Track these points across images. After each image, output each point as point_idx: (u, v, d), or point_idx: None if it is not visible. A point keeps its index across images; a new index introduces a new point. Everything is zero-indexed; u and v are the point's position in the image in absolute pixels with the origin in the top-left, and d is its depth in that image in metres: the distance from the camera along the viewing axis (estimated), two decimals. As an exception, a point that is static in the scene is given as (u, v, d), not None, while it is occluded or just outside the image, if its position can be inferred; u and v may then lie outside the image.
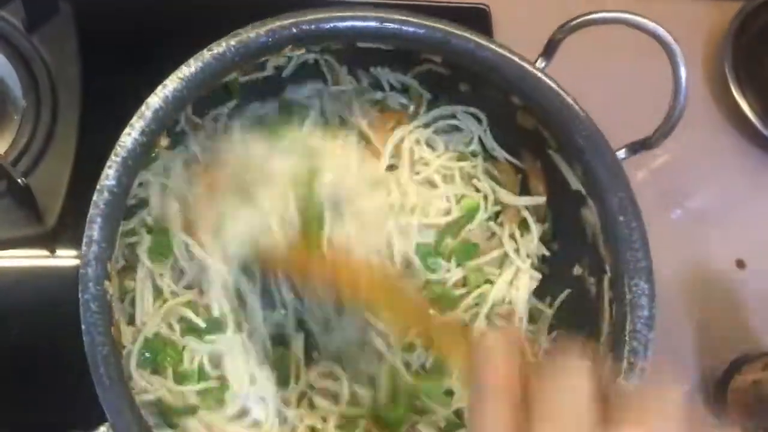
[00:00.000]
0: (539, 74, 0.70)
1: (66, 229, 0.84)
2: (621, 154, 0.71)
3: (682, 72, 0.65)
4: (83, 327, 0.62)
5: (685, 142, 0.95)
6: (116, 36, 0.92)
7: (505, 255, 0.76)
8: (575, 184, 0.72)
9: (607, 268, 0.69)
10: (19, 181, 0.79)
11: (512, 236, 0.77)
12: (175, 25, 0.91)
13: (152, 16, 0.93)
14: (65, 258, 0.85)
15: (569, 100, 0.70)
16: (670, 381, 0.44)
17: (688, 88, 0.66)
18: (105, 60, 0.90)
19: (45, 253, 0.85)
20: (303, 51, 0.75)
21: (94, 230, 0.64)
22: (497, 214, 0.79)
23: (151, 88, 0.67)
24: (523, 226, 0.78)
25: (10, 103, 0.86)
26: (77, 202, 0.84)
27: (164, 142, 0.73)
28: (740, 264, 0.92)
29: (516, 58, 0.71)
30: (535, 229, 0.76)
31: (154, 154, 0.73)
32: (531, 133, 0.76)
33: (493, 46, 0.71)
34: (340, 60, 0.81)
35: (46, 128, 0.86)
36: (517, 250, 0.76)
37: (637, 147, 0.70)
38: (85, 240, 0.63)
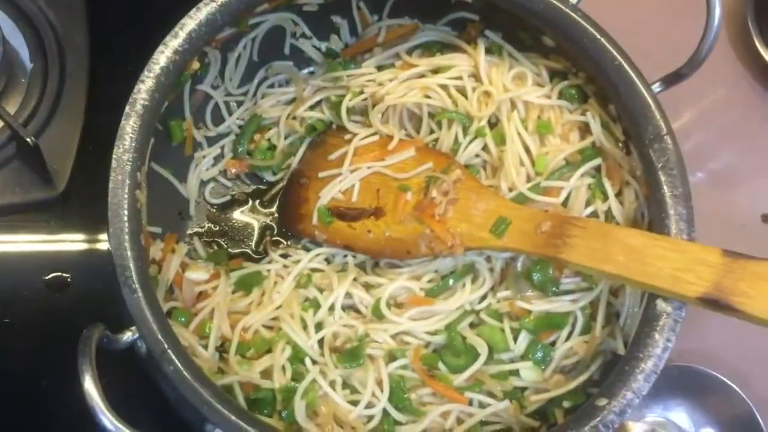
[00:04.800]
0: (571, 11, 0.70)
1: (76, 193, 0.83)
2: (656, 87, 0.70)
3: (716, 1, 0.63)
4: (110, 230, 0.61)
5: (706, 99, 0.94)
6: (124, -3, 0.90)
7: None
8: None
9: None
10: (28, 140, 0.78)
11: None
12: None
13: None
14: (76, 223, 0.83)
15: (602, 33, 0.69)
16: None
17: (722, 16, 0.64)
18: (112, 21, 0.90)
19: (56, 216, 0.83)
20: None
21: (125, 139, 0.64)
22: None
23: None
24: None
25: (17, 66, 0.85)
26: (87, 165, 0.83)
27: (195, 65, 0.73)
28: (766, 218, 0.90)
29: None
30: None
31: (182, 78, 0.73)
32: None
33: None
34: (371, 9, 0.82)
35: (54, 91, 0.85)
36: None
37: (672, 78, 0.69)
38: (116, 148, 0.63)
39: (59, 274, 0.81)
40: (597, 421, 0.61)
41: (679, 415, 0.81)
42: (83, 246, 0.83)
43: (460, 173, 0.74)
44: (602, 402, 0.62)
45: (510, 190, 0.74)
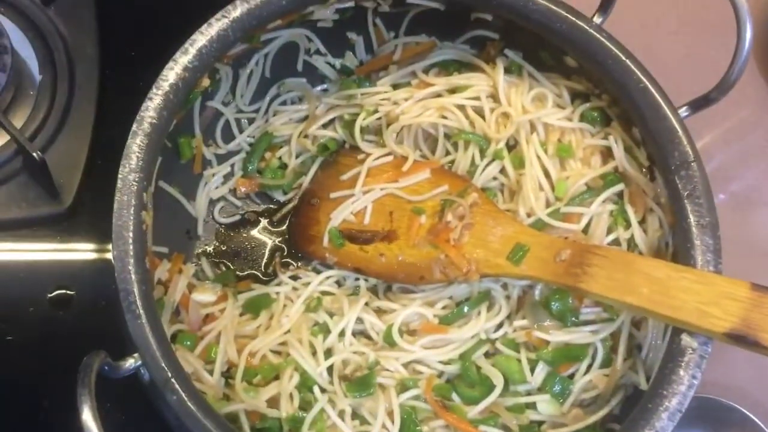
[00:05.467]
0: (595, 32, 0.68)
1: (83, 208, 0.81)
2: (683, 112, 0.67)
3: (747, 23, 0.61)
4: (114, 253, 0.60)
5: (729, 120, 0.92)
6: (134, 8, 0.89)
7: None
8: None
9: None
10: (35, 155, 0.76)
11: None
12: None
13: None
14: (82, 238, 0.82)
15: (627, 55, 0.67)
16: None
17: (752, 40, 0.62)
18: (123, 33, 0.88)
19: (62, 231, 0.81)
20: (351, 2, 0.74)
21: (131, 159, 0.62)
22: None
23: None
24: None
25: (26, 77, 0.84)
26: (95, 180, 0.82)
27: (206, 82, 0.72)
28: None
29: (571, 15, 0.68)
30: None
31: (192, 95, 0.72)
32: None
33: (547, 3, 0.69)
34: (388, 26, 0.81)
35: (63, 103, 0.83)
36: None
37: (700, 103, 0.67)
38: (121, 167, 0.62)
39: (64, 291, 0.79)
40: (619, 460, 0.59)
41: (698, 448, 0.79)
42: (89, 262, 0.81)
43: (477, 197, 0.72)
44: (624, 441, 0.60)
45: (528, 215, 0.72)
